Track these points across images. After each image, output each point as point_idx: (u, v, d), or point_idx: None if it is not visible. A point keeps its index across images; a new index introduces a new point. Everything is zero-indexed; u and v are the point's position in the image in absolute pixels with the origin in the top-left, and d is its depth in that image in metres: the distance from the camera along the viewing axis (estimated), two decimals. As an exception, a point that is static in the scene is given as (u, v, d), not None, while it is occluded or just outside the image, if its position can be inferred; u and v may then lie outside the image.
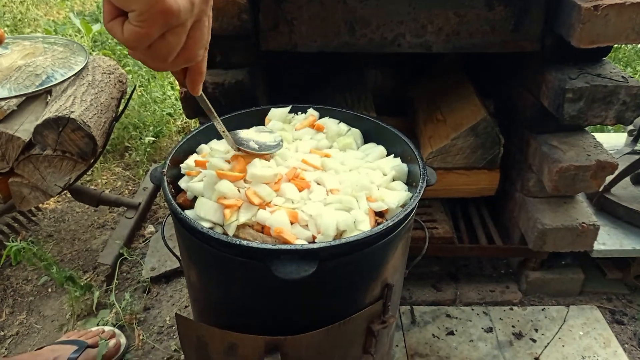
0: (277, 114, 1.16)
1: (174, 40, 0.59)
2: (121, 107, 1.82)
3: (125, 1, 0.55)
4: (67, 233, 2.05)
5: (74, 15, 3.44)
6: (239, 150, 0.97)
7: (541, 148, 1.45)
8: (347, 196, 0.93)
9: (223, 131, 0.94)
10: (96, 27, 3.31)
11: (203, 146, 1.08)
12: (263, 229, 0.88)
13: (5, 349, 1.59)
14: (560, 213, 1.54)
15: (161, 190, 0.96)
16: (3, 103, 1.54)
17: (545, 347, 1.51)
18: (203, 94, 0.82)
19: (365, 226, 0.88)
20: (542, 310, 1.64)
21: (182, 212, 0.87)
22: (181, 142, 1.06)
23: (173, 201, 0.91)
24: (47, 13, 4.03)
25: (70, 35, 3.36)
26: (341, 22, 1.28)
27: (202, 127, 1.11)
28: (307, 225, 0.88)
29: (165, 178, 0.96)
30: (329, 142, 1.12)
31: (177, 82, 2.61)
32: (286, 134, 1.11)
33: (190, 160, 1.02)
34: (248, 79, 1.31)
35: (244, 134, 1.04)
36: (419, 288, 1.71)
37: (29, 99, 1.66)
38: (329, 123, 1.14)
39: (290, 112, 1.18)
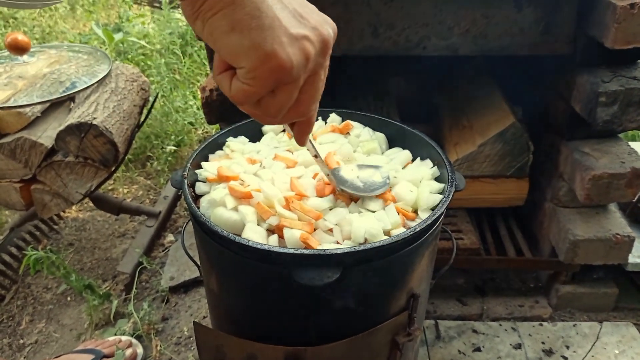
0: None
1: (285, 98, 0.54)
2: (143, 116, 1.82)
3: (234, 57, 0.50)
4: (87, 242, 2.05)
5: (96, 26, 3.49)
6: (342, 190, 0.89)
7: (573, 155, 1.39)
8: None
9: (327, 174, 0.88)
10: (118, 36, 3.35)
11: (230, 142, 1.06)
12: None
13: (24, 357, 1.58)
14: (593, 224, 1.47)
15: (182, 196, 0.93)
16: (27, 109, 1.55)
17: (578, 365, 1.44)
18: (310, 141, 0.76)
19: (395, 232, 0.84)
20: (574, 326, 1.56)
21: (202, 215, 0.85)
22: (202, 146, 1.04)
23: (193, 204, 0.88)
24: (74, 26, 4.11)
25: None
26: (365, 24, 1.25)
27: (222, 132, 1.09)
28: (331, 230, 0.84)
29: (185, 182, 0.94)
30: (353, 146, 1.09)
31: (199, 91, 2.62)
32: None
33: (210, 167, 0.99)
34: (270, 83, 1.29)
35: (345, 172, 0.94)
36: (444, 302, 1.65)
37: (53, 106, 1.68)
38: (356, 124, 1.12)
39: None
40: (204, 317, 1.64)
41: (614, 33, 1.11)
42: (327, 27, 0.56)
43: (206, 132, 2.69)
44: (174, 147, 2.47)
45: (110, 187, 2.32)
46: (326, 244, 0.82)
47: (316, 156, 0.82)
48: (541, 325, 1.57)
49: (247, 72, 0.51)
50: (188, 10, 0.49)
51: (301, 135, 0.66)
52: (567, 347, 1.49)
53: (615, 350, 1.48)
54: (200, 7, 0.48)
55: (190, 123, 2.70)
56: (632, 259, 1.51)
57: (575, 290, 1.60)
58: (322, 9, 1.32)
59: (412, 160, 1.05)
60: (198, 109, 2.78)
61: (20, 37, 1.55)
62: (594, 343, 1.50)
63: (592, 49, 1.25)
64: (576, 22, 1.26)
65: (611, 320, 1.59)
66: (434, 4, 1.23)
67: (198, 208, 0.90)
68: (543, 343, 1.51)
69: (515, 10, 1.24)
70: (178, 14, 3.54)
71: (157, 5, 3.53)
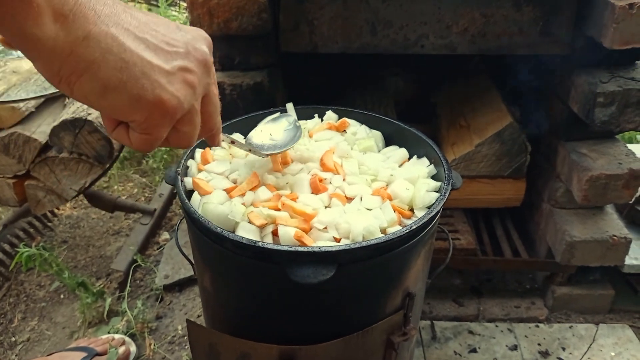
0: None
1: (189, 129, 0.56)
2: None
3: (120, 114, 0.50)
4: (81, 239, 2.03)
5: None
6: (268, 155, 0.93)
7: (570, 156, 1.39)
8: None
9: (249, 150, 0.91)
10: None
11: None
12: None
13: (16, 355, 1.57)
14: (590, 225, 1.47)
15: (176, 193, 0.93)
16: (21, 105, 1.53)
17: (574, 366, 1.43)
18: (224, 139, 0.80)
19: (391, 230, 0.83)
20: (570, 327, 1.56)
21: (195, 211, 0.84)
22: (196, 143, 1.03)
23: (187, 200, 0.87)
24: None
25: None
26: (363, 22, 1.24)
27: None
28: (326, 228, 0.83)
29: (179, 177, 0.93)
30: (349, 144, 1.07)
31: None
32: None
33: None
34: (267, 80, 1.28)
35: (258, 137, 0.96)
36: (440, 302, 1.64)
37: (48, 101, 1.66)
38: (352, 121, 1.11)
39: (309, 113, 1.15)
40: (199, 316, 1.63)
41: (612, 33, 1.11)
42: (200, 44, 0.54)
43: (203, 131, 2.68)
44: (170, 145, 2.45)
45: (105, 185, 2.31)
46: (321, 241, 0.81)
47: (233, 142, 0.87)
48: (537, 326, 1.56)
49: (140, 125, 0.50)
50: (47, 73, 0.45)
51: (213, 140, 0.69)
52: (563, 349, 1.49)
53: (612, 352, 1.47)
54: (60, 72, 0.44)
55: (187, 121, 2.69)
56: (628, 260, 1.51)
57: (571, 292, 1.59)
58: (319, 6, 1.31)
59: (409, 159, 1.04)
60: (195, 107, 2.76)
61: (15, 31, 1.53)
62: (590, 345, 1.50)
63: (591, 49, 1.25)
64: (575, 22, 1.25)
65: (607, 322, 1.58)
66: (432, 2, 1.22)
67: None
68: (539, 344, 1.50)
69: (514, 9, 1.23)
70: (175, 12, 3.53)
71: (154, 2, 3.51)
